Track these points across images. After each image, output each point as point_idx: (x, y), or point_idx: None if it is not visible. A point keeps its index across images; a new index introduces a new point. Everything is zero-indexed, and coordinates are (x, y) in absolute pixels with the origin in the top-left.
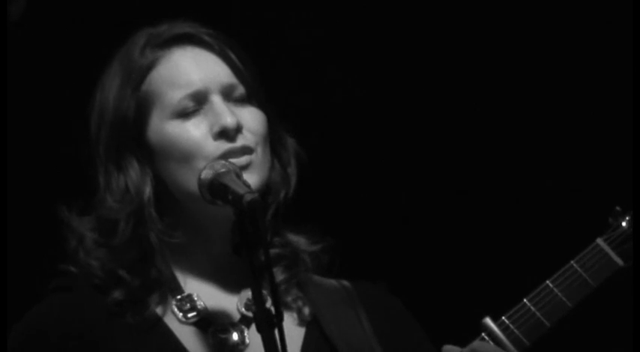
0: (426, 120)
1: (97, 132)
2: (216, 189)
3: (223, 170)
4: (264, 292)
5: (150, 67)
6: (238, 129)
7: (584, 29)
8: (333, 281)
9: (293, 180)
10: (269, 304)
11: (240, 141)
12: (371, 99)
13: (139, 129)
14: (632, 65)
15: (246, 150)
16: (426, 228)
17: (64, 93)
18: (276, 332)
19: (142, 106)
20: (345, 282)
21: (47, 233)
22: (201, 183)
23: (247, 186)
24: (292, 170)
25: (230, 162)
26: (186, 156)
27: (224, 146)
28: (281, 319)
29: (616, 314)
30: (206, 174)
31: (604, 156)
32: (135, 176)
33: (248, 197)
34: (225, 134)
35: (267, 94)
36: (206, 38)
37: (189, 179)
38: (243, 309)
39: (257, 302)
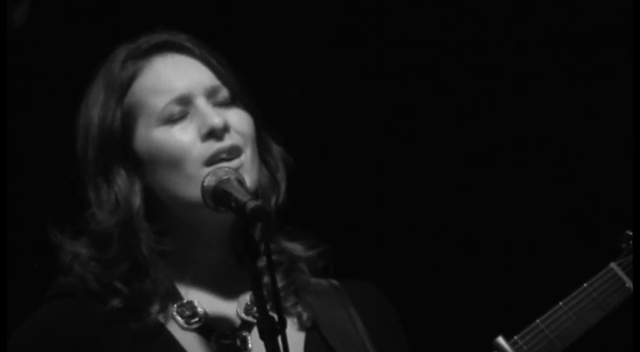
0: (427, 124)
1: (83, 149)
2: (220, 196)
3: (226, 177)
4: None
5: (132, 79)
6: (226, 129)
7: (585, 30)
8: (324, 282)
9: (282, 186)
10: (270, 310)
11: (228, 141)
12: (361, 101)
13: (126, 140)
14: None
15: (234, 150)
16: (441, 245)
17: (59, 106)
18: (279, 339)
19: (127, 118)
20: (335, 282)
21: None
22: (204, 191)
23: (251, 192)
24: (281, 175)
25: (233, 170)
26: (175, 161)
27: (213, 146)
28: (284, 325)
29: (615, 314)
30: (209, 181)
31: (620, 179)
32: (123, 187)
33: (251, 204)
34: (214, 134)
35: (253, 100)
36: (186, 44)
37: (180, 184)
38: (243, 314)
39: (260, 309)
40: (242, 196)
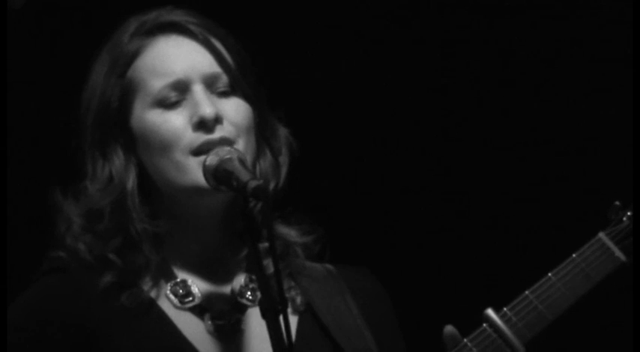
0: (417, 110)
1: (84, 119)
2: (221, 175)
3: (228, 156)
4: (254, 278)
5: (135, 55)
6: (217, 120)
7: (584, 28)
8: (319, 267)
9: (284, 170)
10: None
11: (218, 133)
12: (360, 88)
13: (123, 116)
14: (632, 60)
15: (224, 142)
16: (428, 220)
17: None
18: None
19: (126, 93)
20: (330, 267)
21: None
22: (205, 170)
23: (252, 172)
24: (284, 159)
25: (235, 149)
26: (164, 146)
27: (202, 137)
28: (286, 306)
29: (615, 314)
30: (211, 160)
31: (605, 150)
32: (119, 164)
33: (252, 183)
34: (204, 125)
35: (260, 82)
36: (191, 27)
37: (168, 169)
38: (237, 296)
39: (262, 289)
40: (243, 176)
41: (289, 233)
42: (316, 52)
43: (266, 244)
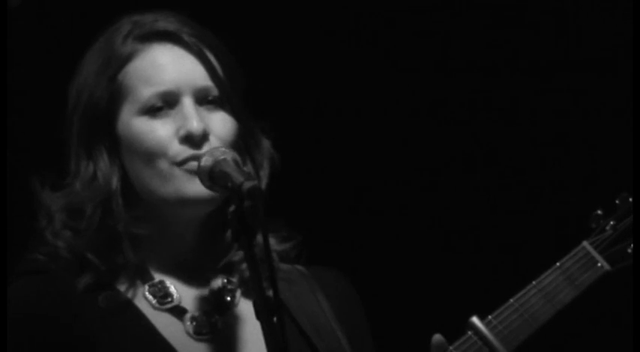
0: (401, 111)
1: (71, 114)
2: (216, 176)
3: (222, 157)
4: (234, 281)
5: (127, 59)
6: (204, 137)
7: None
8: (291, 268)
9: (264, 182)
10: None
11: (205, 149)
12: (333, 93)
13: (110, 119)
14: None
15: None
16: (414, 227)
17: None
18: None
19: (115, 97)
20: (301, 268)
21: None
22: (200, 170)
23: (246, 173)
24: (264, 172)
25: (230, 150)
26: (149, 154)
27: (188, 152)
28: (280, 306)
29: (615, 314)
30: (206, 161)
31: (592, 156)
32: (104, 166)
33: (247, 184)
34: (191, 140)
35: (246, 93)
36: (185, 37)
37: (152, 179)
38: (216, 297)
39: (256, 289)
40: (238, 176)
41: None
42: (285, 60)
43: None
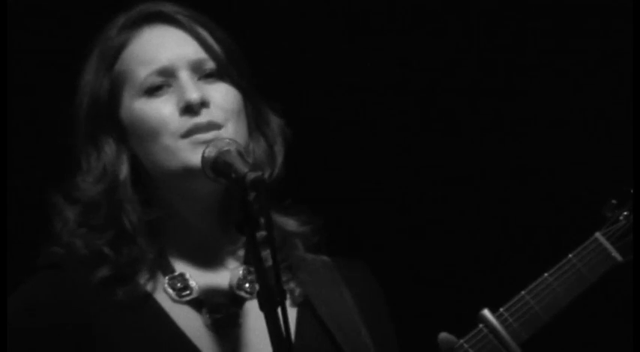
0: (420, 102)
1: (77, 114)
2: (220, 167)
3: (226, 148)
4: (252, 270)
5: (121, 48)
6: (204, 104)
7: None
8: (316, 259)
9: (279, 159)
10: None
11: (206, 117)
12: (358, 80)
13: (113, 109)
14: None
15: (212, 126)
16: (426, 218)
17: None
18: (279, 310)
19: (115, 86)
20: (326, 258)
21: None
22: (204, 161)
23: (250, 164)
24: (279, 148)
25: (233, 141)
26: (153, 133)
27: (189, 121)
28: (284, 297)
29: (615, 314)
30: (209, 151)
31: (603, 148)
32: (111, 155)
33: (251, 175)
34: (190, 109)
35: (251, 72)
36: (177, 16)
37: (159, 155)
38: (235, 289)
39: (260, 281)
40: (242, 167)
41: (287, 222)
42: (317, 42)
43: (264, 233)
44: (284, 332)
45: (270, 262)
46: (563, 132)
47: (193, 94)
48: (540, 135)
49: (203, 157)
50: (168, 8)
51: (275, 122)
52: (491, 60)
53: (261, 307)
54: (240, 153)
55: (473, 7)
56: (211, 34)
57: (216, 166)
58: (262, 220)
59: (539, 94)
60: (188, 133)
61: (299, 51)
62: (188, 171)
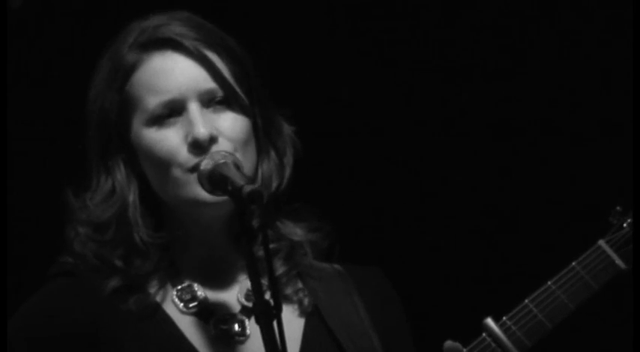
0: (427, 108)
1: (87, 129)
2: (216, 179)
3: (223, 161)
4: (264, 283)
5: (132, 69)
6: (212, 140)
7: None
8: (327, 267)
9: (287, 170)
10: (268, 295)
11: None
12: (369, 85)
13: (123, 129)
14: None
15: None
16: (430, 228)
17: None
18: (275, 323)
19: (125, 108)
20: (338, 267)
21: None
22: (200, 174)
23: (247, 177)
24: (288, 159)
25: (230, 153)
26: (162, 163)
27: (197, 158)
28: (279, 310)
29: (615, 316)
30: (206, 164)
31: (607, 155)
32: (120, 178)
33: (248, 188)
34: (198, 146)
35: (262, 83)
36: (185, 43)
37: (168, 185)
38: (243, 300)
39: (256, 293)
40: (238, 180)
41: (295, 232)
42: (325, 48)
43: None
44: (280, 346)
45: (278, 272)
46: (569, 138)
47: (201, 130)
48: (547, 142)
49: (199, 170)
50: (178, 31)
51: (287, 132)
52: (494, 62)
53: (257, 320)
54: (236, 166)
55: (475, 8)
56: (221, 57)
57: (213, 179)
58: (260, 232)
59: (547, 100)
60: (196, 168)
61: (301, 53)
62: (197, 203)
